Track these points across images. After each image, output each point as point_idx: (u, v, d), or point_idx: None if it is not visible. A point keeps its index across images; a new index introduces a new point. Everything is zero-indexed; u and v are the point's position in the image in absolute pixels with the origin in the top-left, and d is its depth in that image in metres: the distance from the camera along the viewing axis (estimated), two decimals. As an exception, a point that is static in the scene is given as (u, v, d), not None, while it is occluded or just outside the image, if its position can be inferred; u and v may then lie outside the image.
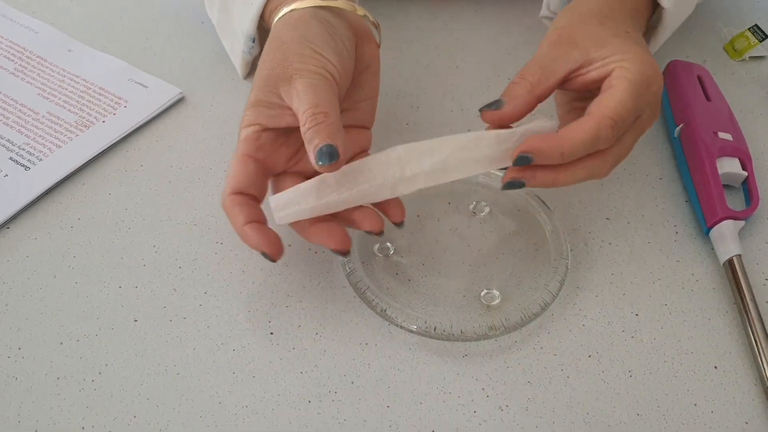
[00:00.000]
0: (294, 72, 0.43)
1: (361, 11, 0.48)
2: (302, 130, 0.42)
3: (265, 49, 0.46)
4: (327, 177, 0.43)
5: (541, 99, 0.44)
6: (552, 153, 0.41)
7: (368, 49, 0.48)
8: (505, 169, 0.44)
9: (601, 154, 0.43)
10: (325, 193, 0.43)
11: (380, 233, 0.44)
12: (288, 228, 0.47)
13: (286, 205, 0.43)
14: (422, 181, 0.43)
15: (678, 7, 0.51)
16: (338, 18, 0.47)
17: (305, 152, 0.45)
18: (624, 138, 0.44)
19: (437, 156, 0.43)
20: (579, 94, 0.47)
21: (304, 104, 0.42)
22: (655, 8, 0.52)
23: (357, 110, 0.48)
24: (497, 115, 0.43)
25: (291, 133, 0.45)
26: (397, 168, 0.43)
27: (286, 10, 0.46)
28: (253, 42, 0.51)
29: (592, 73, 0.44)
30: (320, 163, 0.41)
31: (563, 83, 0.44)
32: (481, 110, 0.44)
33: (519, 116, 0.44)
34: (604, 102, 0.42)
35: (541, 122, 0.44)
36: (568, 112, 0.48)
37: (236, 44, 0.53)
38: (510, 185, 0.43)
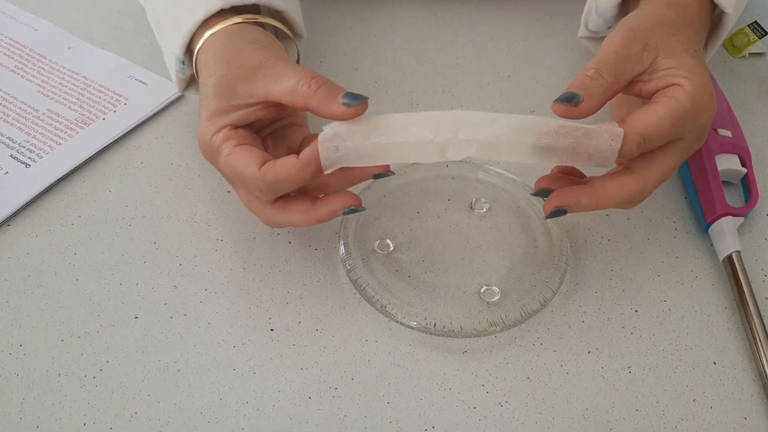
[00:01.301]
0: (255, 63, 0.43)
1: (275, 23, 0.50)
2: (306, 92, 0.41)
3: (204, 66, 0.45)
4: (379, 119, 0.41)
5: (610, 99, 0.42)
6: (588, 207, 0.42)
7: None
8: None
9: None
10: (375, 135, 0.40)
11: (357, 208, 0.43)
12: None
13: (334, 137, 0.40)
14: (474, 149, 0.41)
15: (737, 9, 0.50)
16: (263, 29, 0.48)
17: (280, 140, 0.46)
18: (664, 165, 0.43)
19: (495, 130, 0.40)
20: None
21: (294, 77, 0.42)
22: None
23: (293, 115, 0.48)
24: (571, 112, 0.41)
25: (257, 129, 0.46)
26: (451, 129, 0.40)
27: (214, 29, 0.46)
28: (183, 64, 0.51)
29: (652, 83, 0.42)
30: (353, 102, 0.40)
31: (629, 84, 0.43)
32: (555, 102, 0.41)
33: (590, 115, 0.42)
34: (651, 163, 0.41)
35: (611, 126, 0.41)
36: (618, 105, 0.47)
37: (170, 62, 0.52)
38: (554, 215, 0.43)
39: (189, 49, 0.50)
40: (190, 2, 0.48)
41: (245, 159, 0.42)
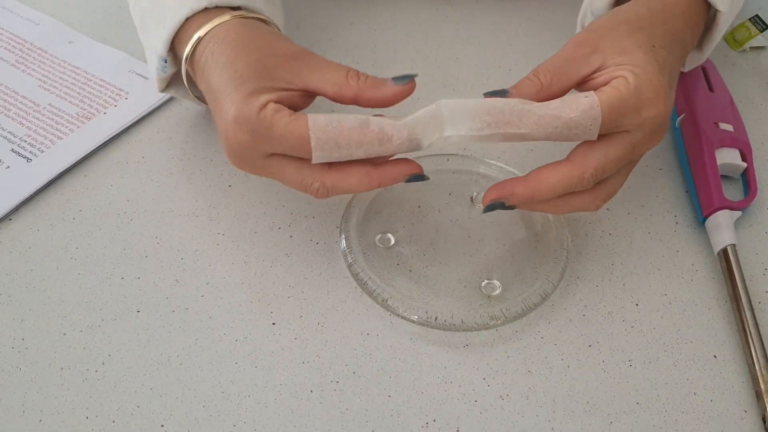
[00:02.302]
0: (289, 53, 0.43)
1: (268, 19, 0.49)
2: (356, 84, 0.42)
3: (223, 52, 0.44)
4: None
5: (550, 99, 0.42)
6: (524, 197, 0.42)
7: None
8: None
9: (589, 193, 0.43)
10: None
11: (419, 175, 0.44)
12: (291, 218, 0.48)
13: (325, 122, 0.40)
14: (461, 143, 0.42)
15: (732, 8, 0.49)
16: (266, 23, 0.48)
17: None
18: (618, 172, 0.44)
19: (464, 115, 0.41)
20: None
21: (341, 69, 0.42)
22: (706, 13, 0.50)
23: None
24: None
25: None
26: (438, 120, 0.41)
27: (207, 28, 0.45)
28: (166, 62, 0.49)
29: (600, 78, 0.42)
30: (404, 80, 0.42)
31: (578, 85, 0.43)
32: (485, 94, 0.42)
33: None
34: (591, 152, 0.42)
35: (578, 96, 0.41)
36: None
37: (152, 60, 0.51)
38: (491, 208, 0.44)
39: (172, 48, 0.49)
40: (173, 1, 0.47)
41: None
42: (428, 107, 0.41)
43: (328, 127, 0.40)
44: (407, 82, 0.42)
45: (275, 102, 0.41)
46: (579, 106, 0.40)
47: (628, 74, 0.41)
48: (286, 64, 0.43)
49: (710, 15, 0.50)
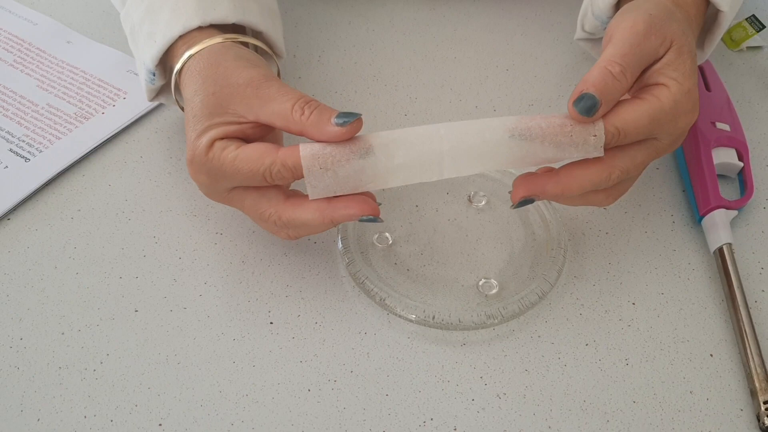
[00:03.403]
0: (245, 82, 0.42)
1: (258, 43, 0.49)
2: (300, 119, 0.41)
3: (189, 84, 0.44)
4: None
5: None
6: (555, 194, 0.42)
7: None
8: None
9: (604, 190, 0.44)
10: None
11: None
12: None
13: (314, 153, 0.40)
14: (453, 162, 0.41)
15: (732, 8, 0.49)
16: (248, 48, 0.47)
17: None
18: (633, 169, 0.43)
19: (473, 136, 0.41)
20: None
21: (287, 101, 0.41)
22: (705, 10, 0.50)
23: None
24: (583, 122, 0.40)
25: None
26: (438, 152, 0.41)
27: (198, 48, 0.45)
28: (154, 75, 0.50)
29: (644, 75, 0.42)
30: (343, 121, 0.40)
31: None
32: (574, 105, 0.40)
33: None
34: (620, 154, 0.41)
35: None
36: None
37: (141, 72, 0.51)
38: (522, 204, 0.43)
39: (161, 62, 0.49)
40: (165, 16, 0.47)
41: (258, 151, 0.41)
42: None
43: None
44: (351, 121, 0.40)
45: (221, 139, 0.42)
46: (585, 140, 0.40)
47: (672, 84, 0.41)
48: (238, 96, 0.42)
49: (710, 14, 0.50)
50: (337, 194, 0.41)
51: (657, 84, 0.41)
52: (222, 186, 0.43)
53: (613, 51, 0.41)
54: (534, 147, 0.40)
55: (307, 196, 0.42)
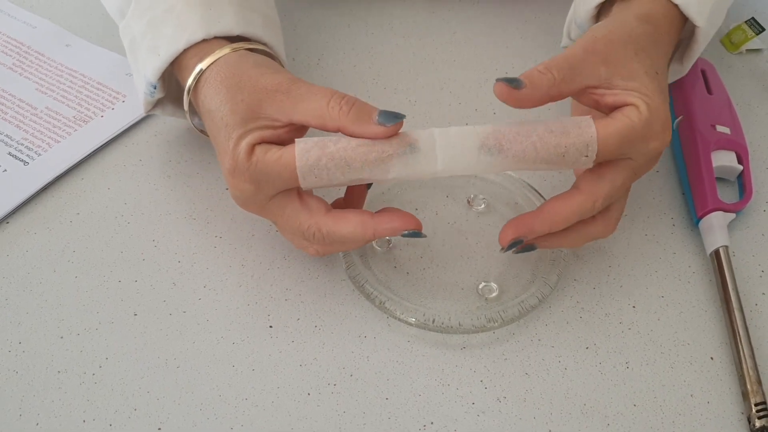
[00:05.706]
0: (272, 87, 0.42)
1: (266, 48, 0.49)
2: (337, 115, 0.41)
3: (212, 96, 0.44)
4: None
5: (552, 100, 0.42)
6: (543, 232, 0.43)
7: None
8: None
9: (601, 222, 0.44)
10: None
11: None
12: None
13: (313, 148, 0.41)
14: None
15: (711, 23, 0.49)
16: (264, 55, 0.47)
17: None
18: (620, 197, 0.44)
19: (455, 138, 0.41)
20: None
21: (321, 99, 0.41)
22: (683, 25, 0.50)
23: None
24: (512, 94, 0.40)
25: None
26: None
27: (210, 59, 0.45)
28: (155, 89, 0.49)
29: (608, 98, 0.42)
30: (390, 121, 0.40)
31: (578, 94, 0.43)
32: (498, 80, 0.40)
33: (529, 106, 0.41)
34: (600, 180, 0.42)
35: (579, 125, 0.41)
36: (580, 112, 0.47)
37: (140, 84, 0.50)
38: (511, 247, 0.44)
39: (162, 75, 0.48)
40: (169, 29, 0.47)
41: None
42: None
43: (314, 148, 0.41)
44: (395, 123, 0.40)
45: (261, 143, 0.42)
46: (581, 138, 0.41)
47: (641, 104, 0.41)
48: (270, 100, 0.42)
49: (688, 28, 0.50)
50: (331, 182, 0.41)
51: (625, 104, 0.42)
52: (265, 193, 0.42)
53: (546, 61, 0.42)
54: (525, 165, 0.41)
55: (348, 210, 0.43)
